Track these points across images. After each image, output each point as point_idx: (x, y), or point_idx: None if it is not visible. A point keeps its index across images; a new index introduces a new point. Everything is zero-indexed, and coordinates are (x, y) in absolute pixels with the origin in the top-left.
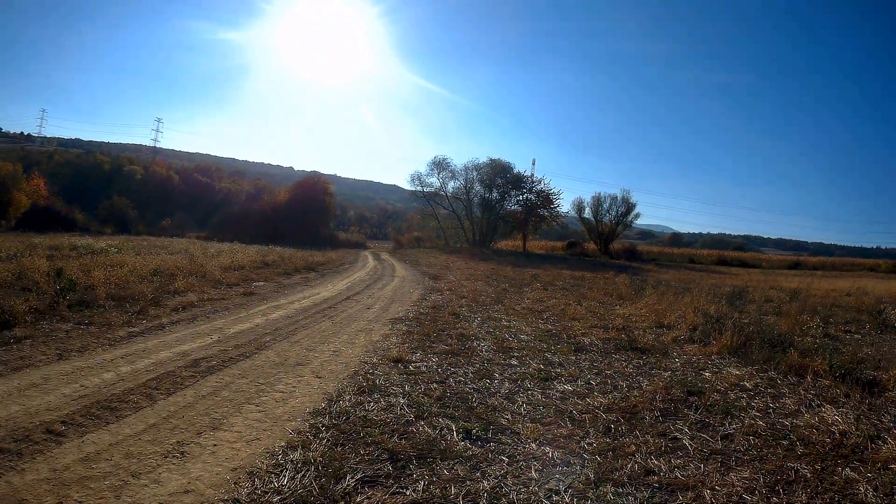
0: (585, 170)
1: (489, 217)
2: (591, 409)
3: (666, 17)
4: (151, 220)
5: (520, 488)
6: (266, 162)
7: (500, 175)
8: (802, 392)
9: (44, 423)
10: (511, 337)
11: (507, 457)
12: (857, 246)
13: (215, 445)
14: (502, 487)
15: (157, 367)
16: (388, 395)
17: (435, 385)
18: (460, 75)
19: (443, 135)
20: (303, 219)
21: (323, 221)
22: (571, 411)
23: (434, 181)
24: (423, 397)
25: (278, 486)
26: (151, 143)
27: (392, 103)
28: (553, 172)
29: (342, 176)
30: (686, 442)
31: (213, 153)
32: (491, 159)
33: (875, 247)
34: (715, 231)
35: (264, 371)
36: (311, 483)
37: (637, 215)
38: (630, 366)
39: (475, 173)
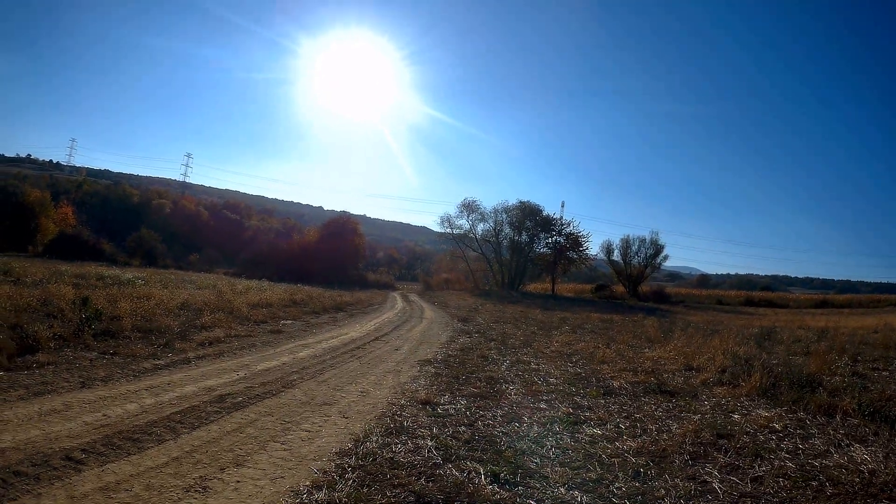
0: (614, 212)
1: (518, 259)
2: (621, 453)
3: (690, 51)
4: (179, 255)
5: None
6: (295, 201)
7: (529, 217)
8: (831, 432)
9: (64, 450)
10: (540, 380)
11: (535, 501)
12: (883, 282)
13: (238, 482)
14: None
15: (181, 401)
16: (416, 438)
17: (463, 428)
18: (491, 117)
19: (472, 176)
20: (332, 259)
21: (352, 262)
22: (601, 455)
23: (463, 223)
24: (451, 440)
25: None
26: (181, 178)
27: (422, 144)
28: (582, 214)
29: (371, 217)
30: (716, 485)
31: (242, 190)
32: (520, 202)
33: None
34: (742, 272)
35: (290, 409)
36: None
37: (665, 257)
38: (659, 409)
39: (504, 216)
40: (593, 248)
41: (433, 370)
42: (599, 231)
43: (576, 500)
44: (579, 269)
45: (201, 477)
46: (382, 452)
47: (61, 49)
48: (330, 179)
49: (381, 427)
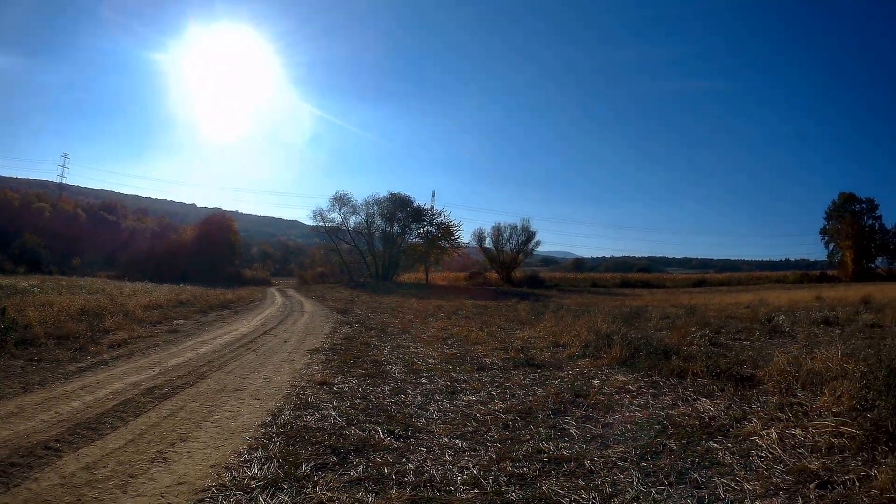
0: (487, 199)
1: (391, 251)
2: (493, 413)
3: (559, 44)
4: (62, 260)
5: (437, 467)
6: (169, 199)
7: (400, 209)
8: (681, 390)
9: (40, 442)
10: (419, 361)
11: (425, 447)
12: (765, 259)
13: (189, 452)
14: (424, 466)
15: (117, 396)
16: (321, 410)
17: (358, 400)
18: (362, 111)
19: (347, 170)
20: (209, 257)
21: (229, 259)
22: (475, 415)
23: (336, 216)
24: (350, 409)
25: (252, 475)
26: (58, 180)
27: (293, 139)
28: (454, 203)
29: (244, 212)
30: (573, 431)
31: (117, 190)
32: (391, 193)
33: (784, 259)
34: (619, 254)
35: (210, 396)
36: (277, 471)
37: (538, 243)
38: (527, 379)
39: (376, 207)
40: (465, 236)
41: (323, 357)
42: (473, 219)
43: (457, 445)
44: (452, 258)
45: (158, 451)
46: (296, 422)
47: None
48: (202, 176)
49: (290, 404)
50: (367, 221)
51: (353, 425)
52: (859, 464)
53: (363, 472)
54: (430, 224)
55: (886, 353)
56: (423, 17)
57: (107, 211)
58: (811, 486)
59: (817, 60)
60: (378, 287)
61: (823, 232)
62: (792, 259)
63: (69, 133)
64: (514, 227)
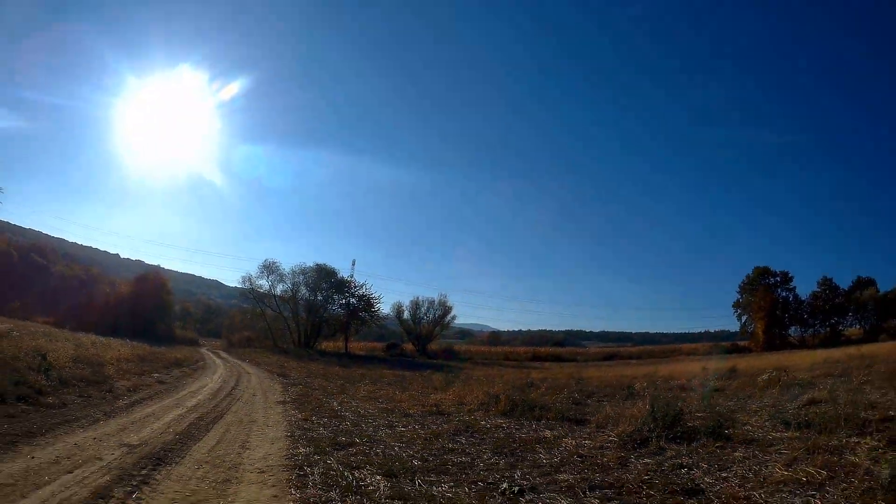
0: (404, 270)
1: (314, 319)
2: (416, 433)
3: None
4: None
5: (391, 451)
6: (94, 247)
7: (325, 279)
8: (535, 425)
9: (171, 440)
10: (362, 411)
11: (382, 445)
12: (685, 332)
13: (258, 446)
14: (385, 452)
15: (179, 422)
16: (315, 430)
17: (333, 428)
18: (283, 169)
19: (266, 231)
20: (142, 313)
21: (160, 317)
22: (406, 434)
23: (264, 283)
24: (332, 432)
25: (301, 452)
26: None
27: (215, 196)
28: (374, 273)
29: (165, 267)
30: (462, 440)
31: (45, 231)
32: (317, 264)
33: (703, 331)
34: (535, 328)
35: (238, 424)
36: (312, 450)
37: (453, 317)
38: (437, 420)
39: (302, 277)
40: (385, 308)
41: (291, 406)
42: (393, 289)
43: (399, 446)
44: (370, 329)
45: (240, 445)
46: (305, 434)
47: None
48: (126, 226)
49: (295, 427)
50: (293, 290)
51: (339, 436)
52: (618, 453)
53: (355, 452)
54: (352, 296)
55: (663, 406)
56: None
57: (38, 254)
58: (581, 461)
59: (730, 136)
60: (301, 354)
61: (736, 305)
62: (712, 330)
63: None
64: (431, 302)
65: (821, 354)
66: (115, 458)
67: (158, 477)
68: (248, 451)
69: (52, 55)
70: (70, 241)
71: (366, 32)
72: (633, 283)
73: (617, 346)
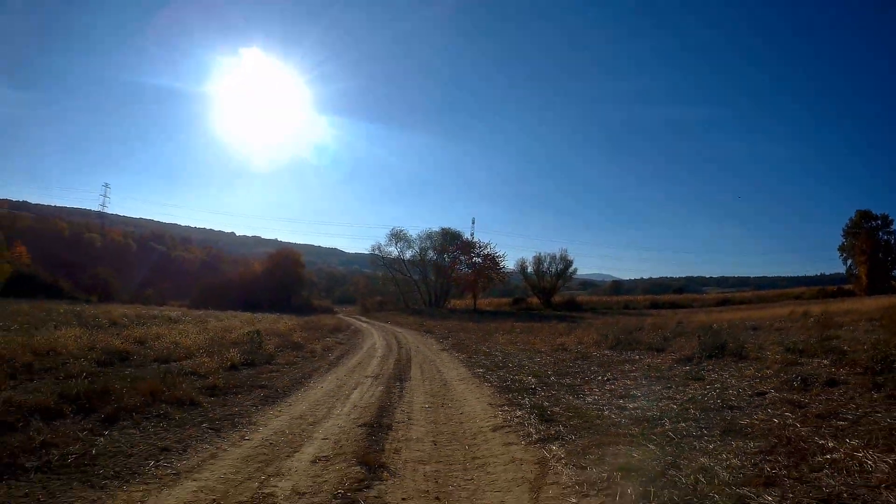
0: (528, 224)
1: (442, 280)
2: (548, 361)
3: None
4: (134, 289)
5: (528, 370)
6: (207, 227)
7: (450, 242)
8: (629, 354)
9: (367, 375)
10: (506, 351)
11: (518, 371)
12: (801, 276)
13: (448, 372)
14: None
15: (384, 365)
16: (482, 360)
17: (491, 359)
18: (399, 140)
19: (384, 197)
20: (278, 288)
21: (295, 290)
22: (542, 362)
23: (392, 250)
24: (494, 360)
25: (477, 372)
26: (99, 209)
27: (330, 167)
28: (495, 229)
29: (282, 240)
30: (580, 364)
31: (155, 218)
32: (442, 229)
33: (819, 274)
34: (656, 276)
35: (424, 362)
36: (488, 370)
37: (574, 270)
38: (562, 354)
39: (429, 241)
40: (509, 264)
41: (453, 351)
42: (514, 244)
43: (537, 366)
44: (495, 286)
45: (437, 373)
46: (474, 364)
47: None
48: (239, 204)
49: (464, 361)
50: (420, 254)
51: (497, 363)
52: (672, 365)
53: (511, 369)
54: (478, 256)
55: (710, 339)
56: (455, 49)
57: (155, 241)
58: (647, 368)
59: (833, 84)
60: (434, 313)
61: (841, 249)
62: (828, 273)
63: (104, 163)
64: (553, 257)
65: None
66: (371, 382)
67: (406, 385)
68: (444, 373)
69: (160, 45)
70: (182, 224)
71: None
72: (750, 228)
73: (736, 291)
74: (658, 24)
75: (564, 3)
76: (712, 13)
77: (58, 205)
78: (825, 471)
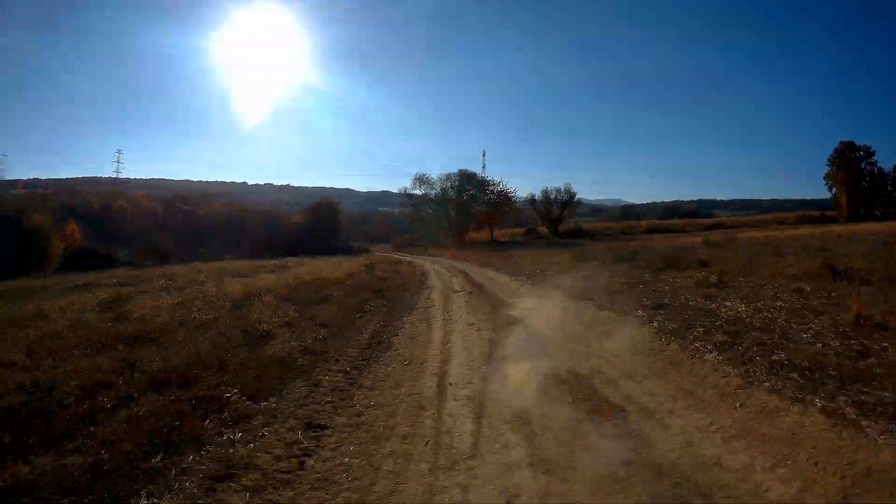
0: (537, 154)
1: (463, 216)
2: (558, 262)
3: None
4: (184, 251)
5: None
6: (218, 179)
7: (468, 182)
8: (595, 264)
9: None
10: (533, 265)
11: (554, 282)
12: (809, 199)
13: (509, 282)
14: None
15: (470, 282)
16: (523, 270)
17: (522, 271)
18: (400, 77)
19: (390, 134)
20: (319, 234)
21: (334, 235)
22: (559, 262)
23: (417, 192)
24: (526, 272)
25: (521, 279)
26: (113, 175)
27: (334, 108)
28: (505, 158)
29: (294, 185)
30: (560, 269)
31: (166, 177)
32: (460, 170)
33: (819, 198)
34: (669, 199)
35: (484, 278)
36: (530, 278)
37: (578, 201)
38: (558, 266)
39: (448, 182)
40: (521, 194)
41: (494, 269)
42: (525, 174)
43: (573, 282)
44: (507, 219)
45: (502, 284)
46: (517, 273)
47: None
48: (246, 153)
49: (510, 273)
50: (442, 194)
51: (530, 273)
52: (641, 274)
53: (542, 276)
54: (492, 193)
55: (670, 257)
56: None
57: (180, 201)
58: (603, 269)
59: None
60: (460, 245)
61: (827, 177)
62: (828, 197)
63: (110, 128)
64: (558, 190)
65: (878, 227)
66: (474, 303)
67: (503, 290)
68: (504, 284)
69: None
70: (195, 179)
71: None
72: (760, 150)
73: (746, 215)
74: None
75: None
76: None
77: (68, 177)
78: (667, 295)
